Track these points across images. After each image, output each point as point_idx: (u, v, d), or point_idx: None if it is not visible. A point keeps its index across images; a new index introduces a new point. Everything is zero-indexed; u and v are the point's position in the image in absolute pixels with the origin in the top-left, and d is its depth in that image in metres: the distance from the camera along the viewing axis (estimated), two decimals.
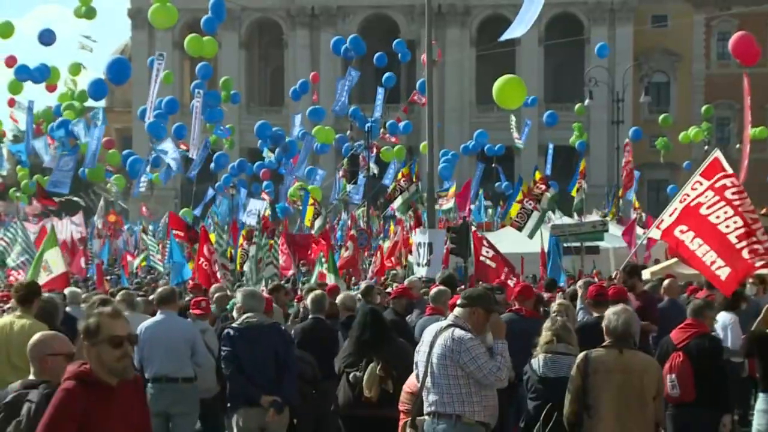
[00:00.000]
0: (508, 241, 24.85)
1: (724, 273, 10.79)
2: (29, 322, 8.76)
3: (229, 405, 10.01)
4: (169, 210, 58.60)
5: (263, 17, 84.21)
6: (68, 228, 30.66)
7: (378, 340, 9.75)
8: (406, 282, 15.93)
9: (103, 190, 58.82)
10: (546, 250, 21.29)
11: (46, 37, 37.84)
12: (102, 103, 55.64)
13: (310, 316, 12.01)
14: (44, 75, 36.42)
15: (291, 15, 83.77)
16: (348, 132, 45.33)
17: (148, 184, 39.47)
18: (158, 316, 11.19)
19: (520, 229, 21.77)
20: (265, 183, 45.31)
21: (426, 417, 7.98)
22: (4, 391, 6.17)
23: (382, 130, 45.07)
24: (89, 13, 38.17)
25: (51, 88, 38.27)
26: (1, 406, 5.95)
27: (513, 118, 48.09)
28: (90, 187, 62.02)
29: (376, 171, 42.56)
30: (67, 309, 12.08)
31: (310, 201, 30.55)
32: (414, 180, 26.10)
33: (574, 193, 36.94)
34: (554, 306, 11.32)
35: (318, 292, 12.67)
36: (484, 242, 19.91)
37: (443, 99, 78.12)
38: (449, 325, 7.98)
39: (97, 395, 5.33)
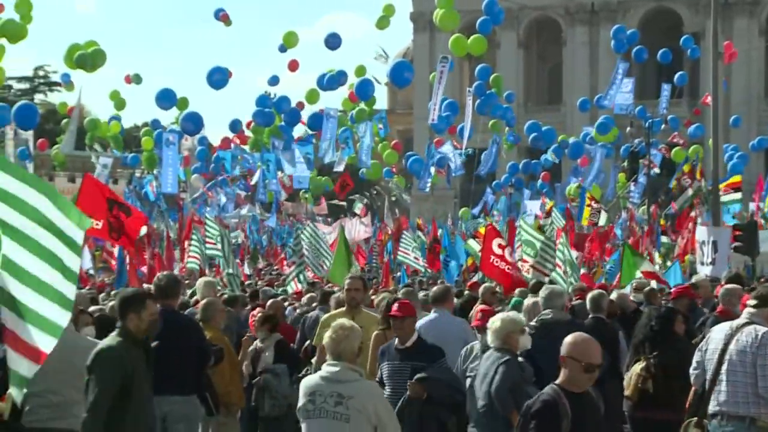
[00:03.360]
0: None
1: None
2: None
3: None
4: (447, 210, 59.63)
5: (542, 15, 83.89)
6: (356, 228, 31.77)
7: (650, 341, 9.56)
8: (693, 279, 15.52)
9: (385, 190, 60.59)
10: None
11: (333, 42, 39.59)
12: (384, 106, 57.22)
13: (590, 316, 11.90)
14: (335, 83, 38.16)
15: (570, 12, 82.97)
16: (628, 129, 44.44)
17: (430, 184, 40.36)
18: (432, 315, 11.39)
19: None
20: (539, 183, 45.27)
21: (713, 420, 7.72)
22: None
23: (663, 125, 43.89)
24: (383, 23, 39.69)
25: (352, 97, 39.91)
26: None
27: None
28: (371, 186, 64.07)
29: (657, 170, 41.47)
30: None
31: (587, 201, 30.14)
32: (698, 177, 25.31)
33: None
34: None
35: (596, 291, 12.56)
36: None
37: (729, 92, 74.89)
38: (747, 323, 7.71)
39: None
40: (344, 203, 51.15)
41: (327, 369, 6.82)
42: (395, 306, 9.13)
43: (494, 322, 8.60)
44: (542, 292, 10.63)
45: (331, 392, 6.67)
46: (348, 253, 18.63)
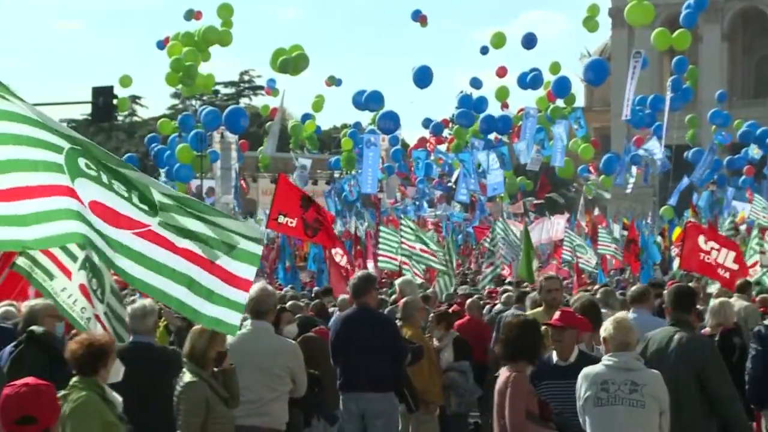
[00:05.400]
0: None
1: None
2: None
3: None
4: (647, 209, 58.26)
5: (747, 7, 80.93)
6: (555, 226, 31.52)
7: None
8: None
9: (582, 188, 59.71)
10: None
11: (529, 41, 39.55)
12: (581, 103, 56.49)
13: None
14: (537, 82, 38.08)
15: None
16: None
17: (633, 182, 39.69)
18: (630, 315, 11.13)
19: None
20: (742, 179, 43.70)
21: None
22: None
23: None
24: (590, 24, 39.33)
25: (550, 96, 39.77)
26: None
27: None
28: (568, 184, 63.28)
29: None
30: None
31: None
32: None
33: None
34: None
35: None
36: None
37: None
38: None
39: None
40: (542, 201, 50.85)
41: (612, 359, 7.01)
42: (557, 314, 7.94)
43: None
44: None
45: (625, 380, 6.89)
46: (528, 251, 18.59)
